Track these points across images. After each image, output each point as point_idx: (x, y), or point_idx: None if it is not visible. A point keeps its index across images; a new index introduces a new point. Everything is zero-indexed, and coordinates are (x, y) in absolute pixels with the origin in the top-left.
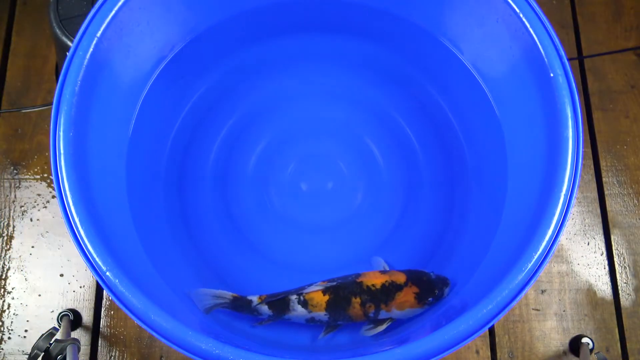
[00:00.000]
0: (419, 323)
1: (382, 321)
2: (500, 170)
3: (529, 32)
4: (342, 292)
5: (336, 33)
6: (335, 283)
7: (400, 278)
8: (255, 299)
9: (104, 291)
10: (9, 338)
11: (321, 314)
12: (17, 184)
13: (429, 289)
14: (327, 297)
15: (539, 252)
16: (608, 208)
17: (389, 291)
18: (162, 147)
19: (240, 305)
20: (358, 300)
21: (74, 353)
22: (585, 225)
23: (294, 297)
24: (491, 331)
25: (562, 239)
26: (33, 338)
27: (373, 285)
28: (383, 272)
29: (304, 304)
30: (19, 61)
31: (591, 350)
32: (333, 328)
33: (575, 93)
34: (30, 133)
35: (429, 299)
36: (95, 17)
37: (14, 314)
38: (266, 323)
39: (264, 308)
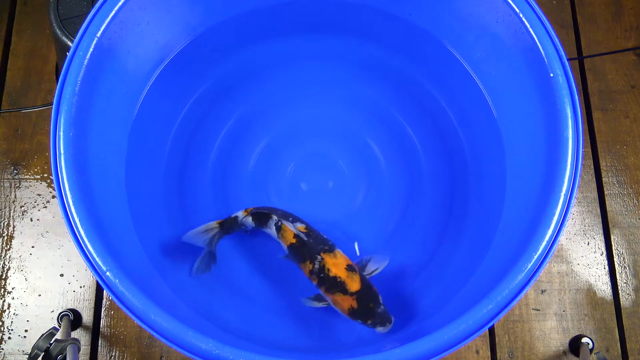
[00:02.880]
0: (418, 323)
1: (321, 299)
2: (500, 169)
3: (529, 32)
4: (304, 249)
5: (336, 33)
6: (306, 239)
7: (353, 286)
8: (240, 213)
9: (104, 291)
10: (9, 338)
11: (285, 246)
12: (17, 184)
13: (365, 314)
14: (294, 240)
15: (539, 252)
16: (608, 208)
17: (334, 286)
18: (162, 147)
19: (229, 227)
20: (310, 266)
21: (74, 353)
22: (585, 225)
23: (274, 218)
24: (491, 331)
25: (562, 239)
26: (33, 338)
27: (328, 269)
28: (350, 268)
29: (278, 229)
30: (19, 61)
31: (591, 350)
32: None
33: (575, 93)
34: (30, 133)
35: (358, 320)
36: (95, 17)
37: (14, 314)
38: (250, 232)
39: (249, 220)
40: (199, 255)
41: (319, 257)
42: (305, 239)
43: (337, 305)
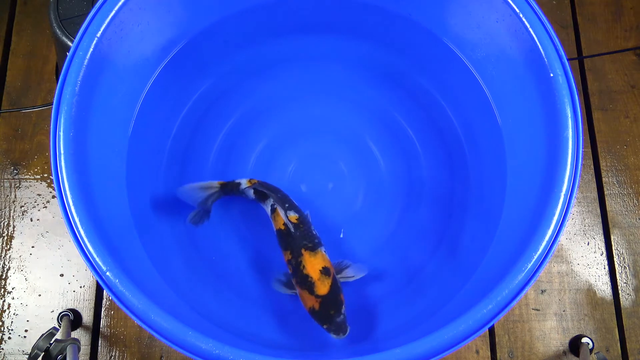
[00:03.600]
0: (418, 324)
1: (291, 287)
2: (500, 169)
3: (529, 32)
4: (289, 238)
5: (336, 33)
6: (293, 230)
7: (321, 290)
8: (244, 181)
9: (104, 291)
10: (9, 338)
11: (274, 227)
12: (17, 184)
13: (323, 318)
14: (283, 227)
15: (539, 252)
16: (608, 208)
17: (304, 283)
18: (162, 147)
19: (229, 190)
20: (289, 256)
21: (74, 353)
22: (585, 225)
23: (271, 200)
24: (491, 331)
25: (562, 239)
26: (33, 338)
27: (304, 266)
28: (325, 271)
29: (272, 211)
30: (19, 61)
31: (591, 350)
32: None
33: (575, 93)
34: (30, 133)
35: (316, 320)
36: (95, 17)
37: (14, 314)
38: (250, 201)
39: (250, 192)
40: (198, 221)
41: (299, 251)
42: (292, 230)
43: (301, 299)
